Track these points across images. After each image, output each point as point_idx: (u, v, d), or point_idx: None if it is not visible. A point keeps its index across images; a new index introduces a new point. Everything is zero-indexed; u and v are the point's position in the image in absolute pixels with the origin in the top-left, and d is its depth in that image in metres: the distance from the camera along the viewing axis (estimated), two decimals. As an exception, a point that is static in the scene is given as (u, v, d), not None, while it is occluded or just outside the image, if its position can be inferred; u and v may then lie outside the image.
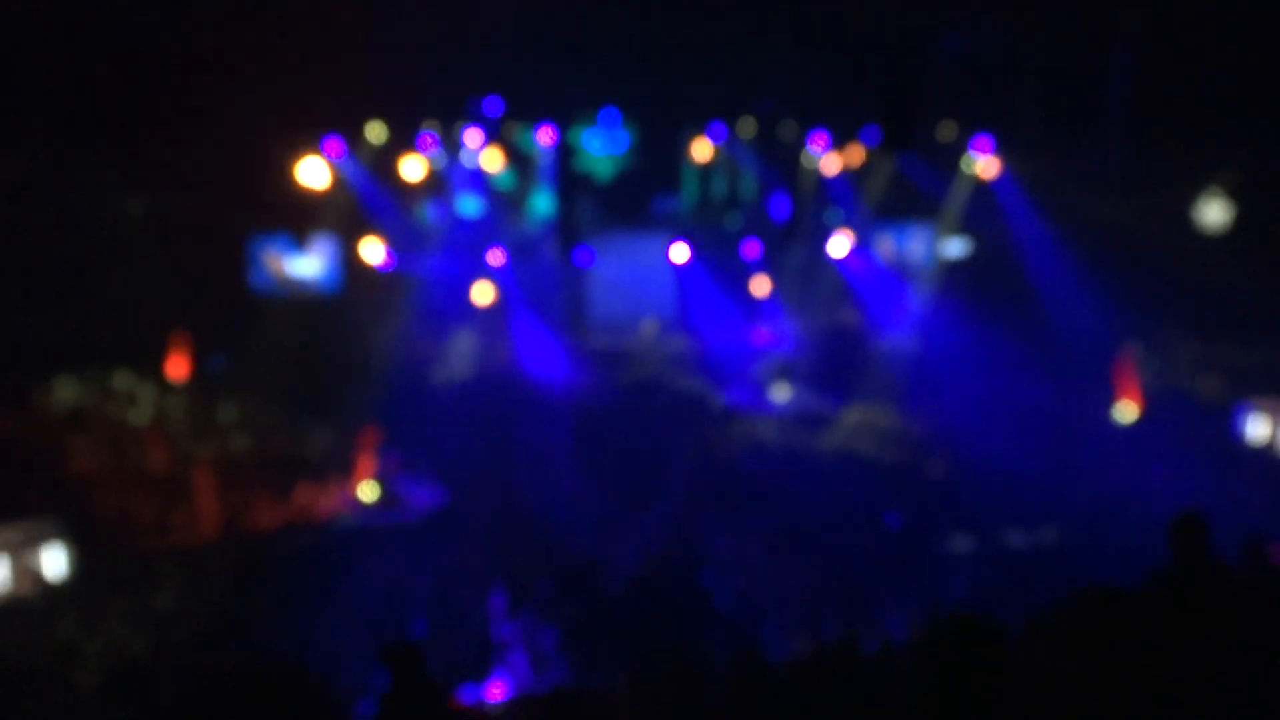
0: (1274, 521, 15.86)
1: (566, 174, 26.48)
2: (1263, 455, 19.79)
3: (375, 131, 25.03)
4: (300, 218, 23.74)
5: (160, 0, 21.91)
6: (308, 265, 24.16)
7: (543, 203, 27.60)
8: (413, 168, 25.15)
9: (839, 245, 26.82)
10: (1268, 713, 3.86)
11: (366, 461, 18.70)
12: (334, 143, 24.04)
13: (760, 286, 27.64)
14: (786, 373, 25.06)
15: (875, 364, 25.06)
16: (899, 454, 20.57)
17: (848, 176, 27.54)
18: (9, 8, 21.99)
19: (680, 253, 26.52)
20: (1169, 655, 3.98)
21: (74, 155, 23.64)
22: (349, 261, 24.56)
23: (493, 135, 26.18)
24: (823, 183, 27.53)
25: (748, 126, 28.10)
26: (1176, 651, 4.11)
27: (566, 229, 26.33)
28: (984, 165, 26.12)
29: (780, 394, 24.35)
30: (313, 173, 23.30)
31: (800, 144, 27.30)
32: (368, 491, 18.31)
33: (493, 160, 26.46)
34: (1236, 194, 25.64)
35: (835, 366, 25.22)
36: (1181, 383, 23.10)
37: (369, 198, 25.03)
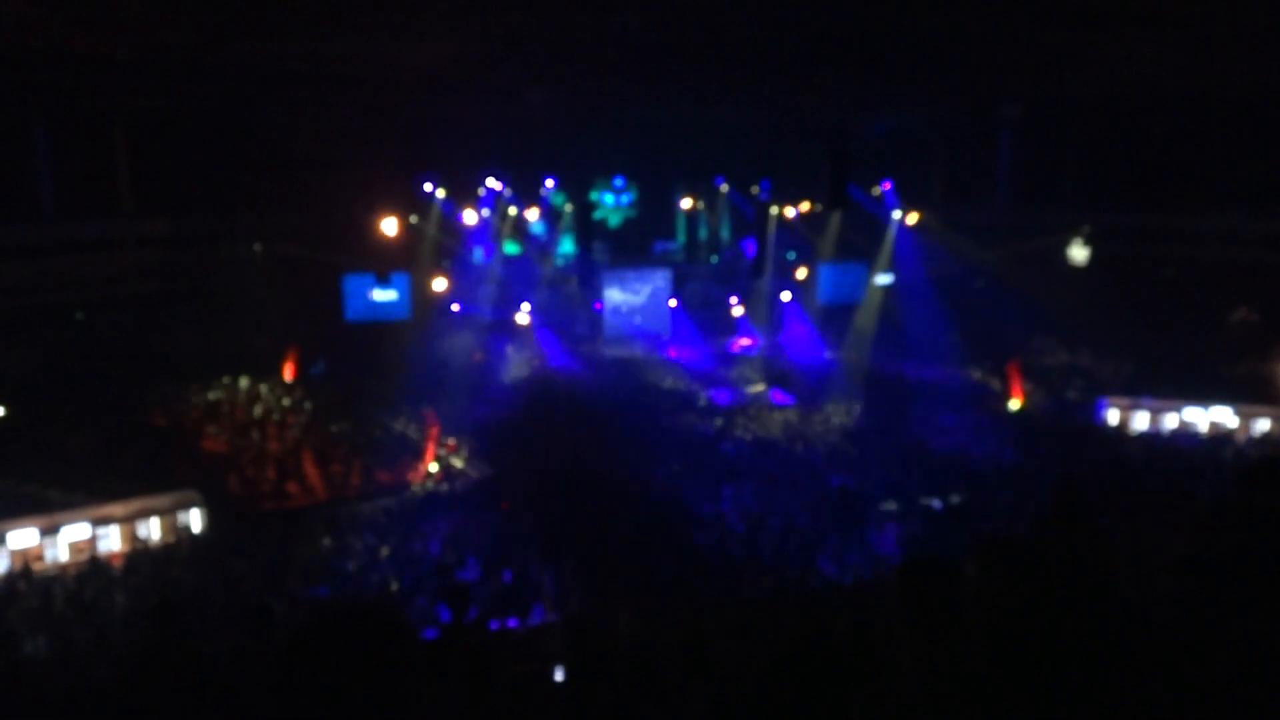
0: (1123, 481, 15.89)
1: (585, 224, 26.48)
2: (1114, 437, 19.79)
3: (440, 193, 25.12)
4: (381, 259, 23.78)
5: (278, 100, 21.99)
6: (387, 295, 24.18)
7: (568, 245, 27.63)
8: (468, 218, 25.28)
9: (786, 295, 27.05)
10: (1118, 627, 3.92)
11: (433, 443, 18.64)
12: (408, 201, 24.13)
13: (736, 308, 27.67)
14: (782, 379, 24.45)
15: (830, 371, 25.05)
16: (844, 438, 20.40)
17: (801, 225, 27.58)
18: (164, 107, 22.10)
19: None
20: (1049, 587, 3.99)
21: (212, 214, 23.73)
22: (418, 292, 24.59)
23: (531, 196, 26.26)
24: (782, 230, 27.57)
25: (725, 187, 28.15)
26: (1054, 584, 4.12)
27: (585, 265, 26.32)
28: (905, 218, 26.15)
29: (756, 391, 24.21)
30: (388, 227, 23.39)
31: (765, 200, 27.37)
32: (434, 466, 18.26)
33: (530, 214, 26.56)
34: (1092, 240, 25.73)
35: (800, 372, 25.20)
36: (1055, 383, 23.06)
37: (434, 244, 25.08)
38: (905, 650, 3.13)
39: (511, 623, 11.34)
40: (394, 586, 12.71)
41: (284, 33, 16.42)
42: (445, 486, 17.81)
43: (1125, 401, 20.29)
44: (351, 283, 23.96)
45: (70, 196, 22.50)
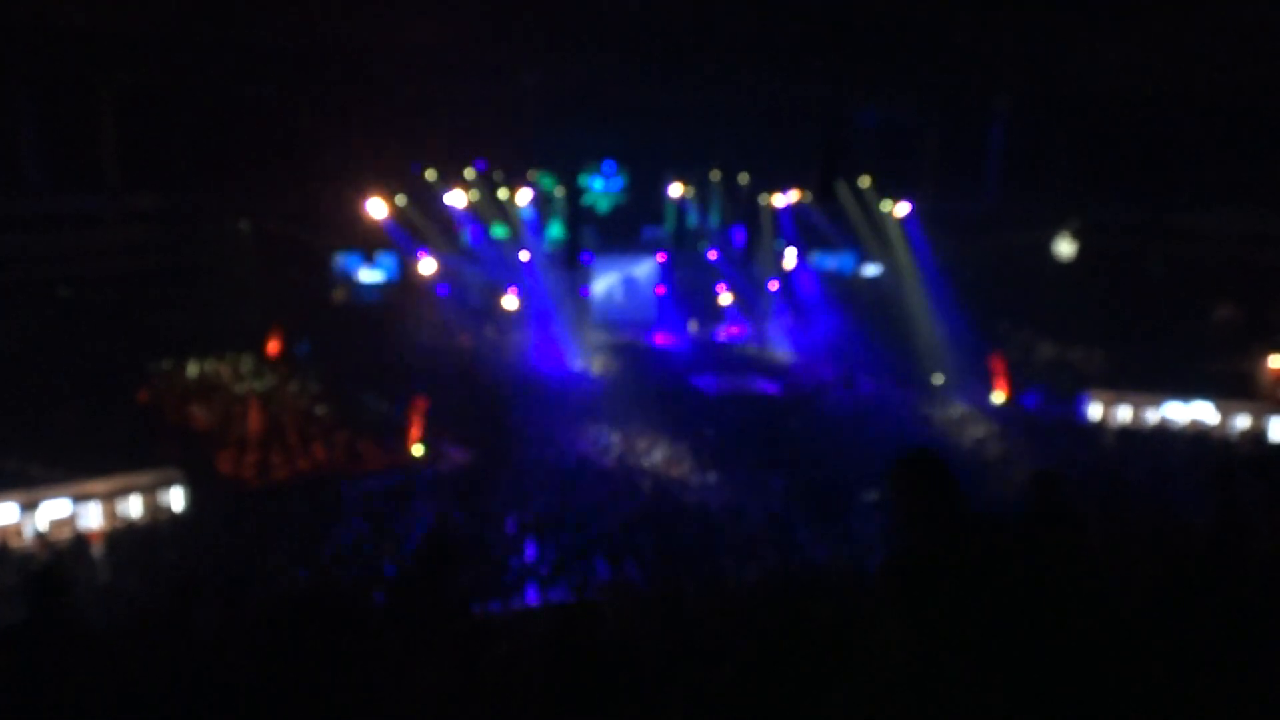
0: (1103, 474, 15.93)
1: (574, 209, 26.32)
2: (1097, 431, 19.87)
3: (430, 175, 24.93)
4: (369, 239, 23.61)
5: (268, 77, 21.78)
6: (374, 275, 24.00)
7: (556, 230, 27.49)
8: (456, 199, 25.00)
9: (789, 258, 27.03)
10: (1092, 618, 3.91)
11: (417, 426, 18.53)
12: (397, 182, 23.91)
13: (723, 296, 27.62)
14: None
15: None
16: (828, 428, 20.39)
17: (790, 214, 27.51)
18: (152, 82, 21.85)
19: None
20: (1028, 579, 3.98)
21: (199, 190, 23.49)
22: (405, 272, 24.41)
23: (519, 179, 26.06)
24: (771, 218, 27.50)
25: (715, 175, 28.05)
26: (1033, 574, 4.10)
27: (573, 249, 26.19)
28: (894, 208, 26.12)
29: (741, 379, 24.12)
30: (375, 208, 23.14)
31: (754, 189, 27.28)
32: (418, 449, 18.17)
33: (520, 197, 26.34)
34: (1080, 234, 25.76)
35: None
36: (1039, 375, 23.10)
37: (421, 225, 24.87)
38: (887, 639, 3.11)
39: (491, 606, 11.28)
40: (375, 569, 12.62)
41: (274, 7, 16.26)
42: (430, 469, 17.72)
43: (1108, 395, 20.36)
44: (339, 262, 23.81)
45: (56, 171, 22.24)
